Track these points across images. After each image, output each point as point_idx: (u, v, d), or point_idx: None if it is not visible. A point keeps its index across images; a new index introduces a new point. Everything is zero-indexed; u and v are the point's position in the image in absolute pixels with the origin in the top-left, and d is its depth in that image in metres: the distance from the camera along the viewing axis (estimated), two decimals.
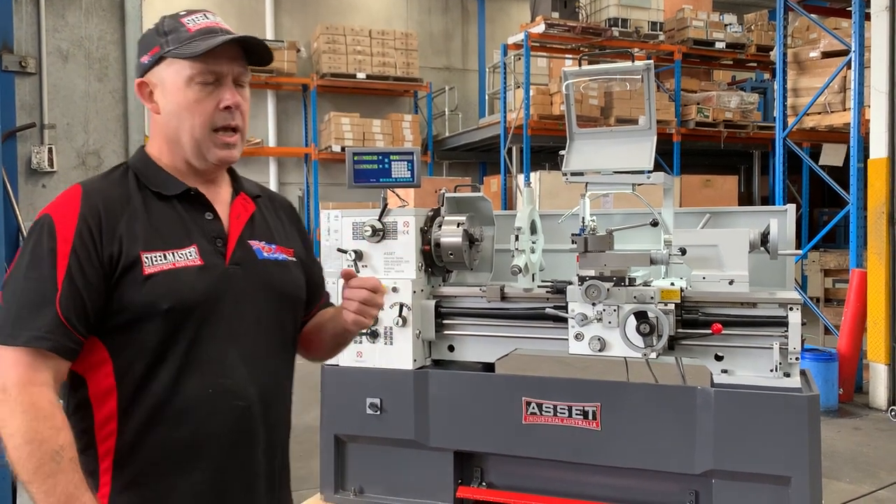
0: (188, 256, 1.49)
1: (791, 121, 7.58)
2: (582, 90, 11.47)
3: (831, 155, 8.11)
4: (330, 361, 2.90)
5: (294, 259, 1.71)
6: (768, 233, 2.68)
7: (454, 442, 2.85)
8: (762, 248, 2.71)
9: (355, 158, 3.10)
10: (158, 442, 1.47)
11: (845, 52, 6.87)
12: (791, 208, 2.91)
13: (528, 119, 11.10)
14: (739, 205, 11.93)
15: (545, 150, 12.08)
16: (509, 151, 11.80)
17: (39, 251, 1.40)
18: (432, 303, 2.92)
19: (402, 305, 2.87)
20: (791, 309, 2.54)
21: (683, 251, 2.67)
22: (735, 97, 12.50)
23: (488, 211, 3.10)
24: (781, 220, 2.79)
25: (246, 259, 1.59)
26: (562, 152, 2.90)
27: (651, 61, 2.74)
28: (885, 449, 4.99)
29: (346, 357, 2.95)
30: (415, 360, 2.88)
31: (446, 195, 3.10)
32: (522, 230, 2.84)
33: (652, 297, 2.55)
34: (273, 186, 14.61)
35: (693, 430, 2.55)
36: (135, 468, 1.47)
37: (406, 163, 3.08)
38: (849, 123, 6.79)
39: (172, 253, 1.48)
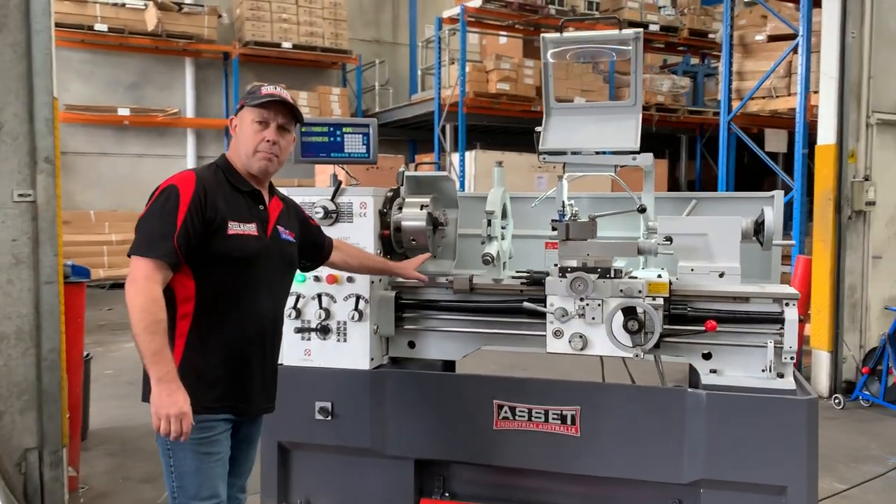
0: (251, 229, 2.36)
1: (735, 105, 7.46)
2: (517, 69, 11.25)
3: (775, 141, 8.10)
4: None
5: (294, 240, 2.55)
6: (762, 221, 2.48)
7: (415, 450, 2.57)
8: (754, 238, 2.51)
9: (303, 130, 2.76)
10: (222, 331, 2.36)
11: (792, 37, 6.79)
12: (779, 194, 2.73)
13: (463, 96, 10.81)
14: (668, 190, 11.99)
15: (477, 129, 11.83)
16: (442, 129, 11.48)
17: (168, 205, 2.22)
18: (392, 294, 2.61)
19: (358, 297, 2.56)
20: (787, 304, 2.35)
21: (669, 240, 2.45)
22: (667, 81, 12.52)
23: (452, 192, 2.81)
24: (768, 207, 2.60)
25: (275, 236, 2.44)
26: (538, 129, 2.62)
27: (640, 30, 2.49)
28: (835, 439, 4.93)
29: (292, 356, 2.62)
30: (371, 359, 2.58)
31: (406, 174, 2.79)
32: (495, 214, 2.56)
33: (640, 291, 2.31)
34: (191, 160, 13.92)
35: (682, 436, 2.34)
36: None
37: (361, 136, 2.76)
38: (793, 109, 6.72)
39: (242, 225, 2.33)
